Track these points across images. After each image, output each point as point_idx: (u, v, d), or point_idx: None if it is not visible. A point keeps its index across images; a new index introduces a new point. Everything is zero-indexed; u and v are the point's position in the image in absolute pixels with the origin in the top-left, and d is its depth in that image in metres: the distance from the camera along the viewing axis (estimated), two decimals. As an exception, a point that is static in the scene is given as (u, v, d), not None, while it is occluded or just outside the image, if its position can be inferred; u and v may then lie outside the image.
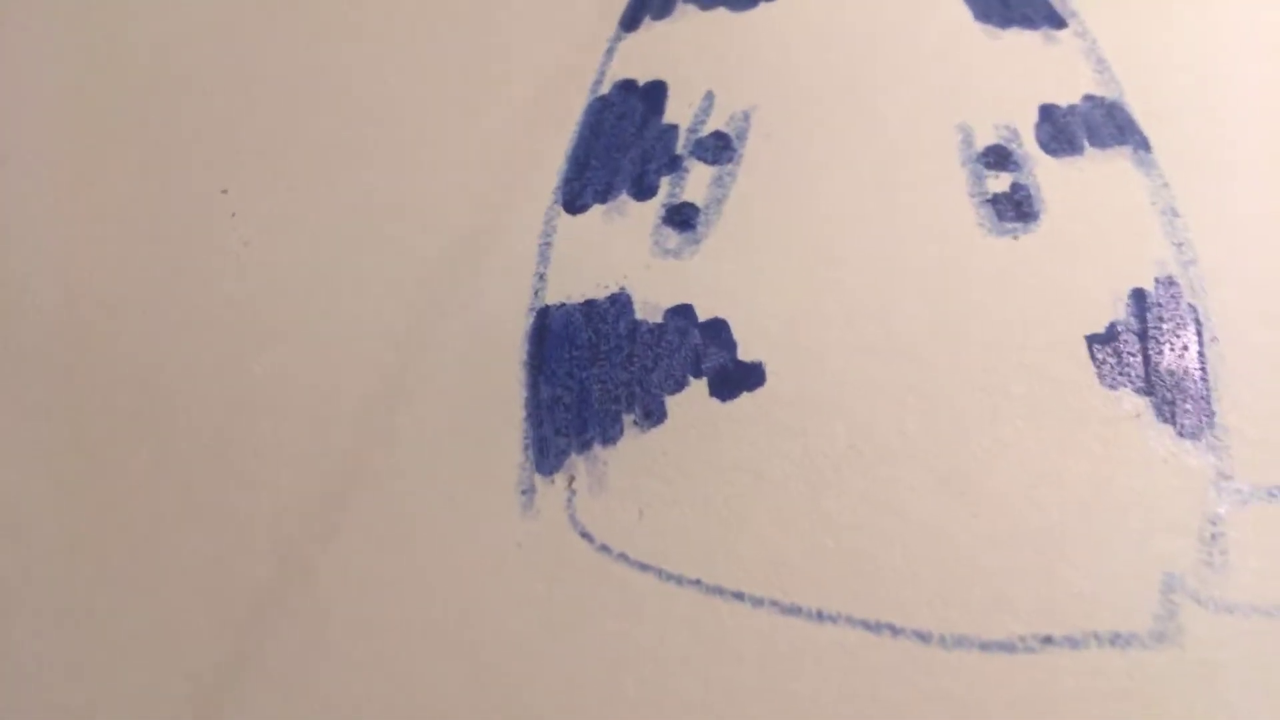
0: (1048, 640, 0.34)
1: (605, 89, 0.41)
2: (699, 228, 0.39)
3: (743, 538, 0.35)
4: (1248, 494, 0.35)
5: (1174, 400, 0.36)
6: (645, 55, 0.42)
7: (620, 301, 0.38)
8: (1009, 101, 0.40)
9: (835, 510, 0.35)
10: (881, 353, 0.37)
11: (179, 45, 0.42)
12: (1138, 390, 0.36)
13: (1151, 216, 0.39)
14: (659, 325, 0.37)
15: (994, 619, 0.34)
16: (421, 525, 0.35)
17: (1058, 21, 0.42)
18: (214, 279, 0.39)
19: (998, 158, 0.39)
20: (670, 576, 0.35)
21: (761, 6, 0.42)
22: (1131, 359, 0.37)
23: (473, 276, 0.38)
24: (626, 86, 0.41)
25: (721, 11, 0.42)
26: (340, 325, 0.38)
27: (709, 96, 0.41)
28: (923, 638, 0.34)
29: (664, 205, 0.39)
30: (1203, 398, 0.36)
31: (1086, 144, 0.40)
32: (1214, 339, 0.37)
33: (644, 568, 0.35)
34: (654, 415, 0.36)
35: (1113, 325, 0.37)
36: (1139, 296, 0.37)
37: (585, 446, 0.36)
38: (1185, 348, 0.37)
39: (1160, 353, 0.37)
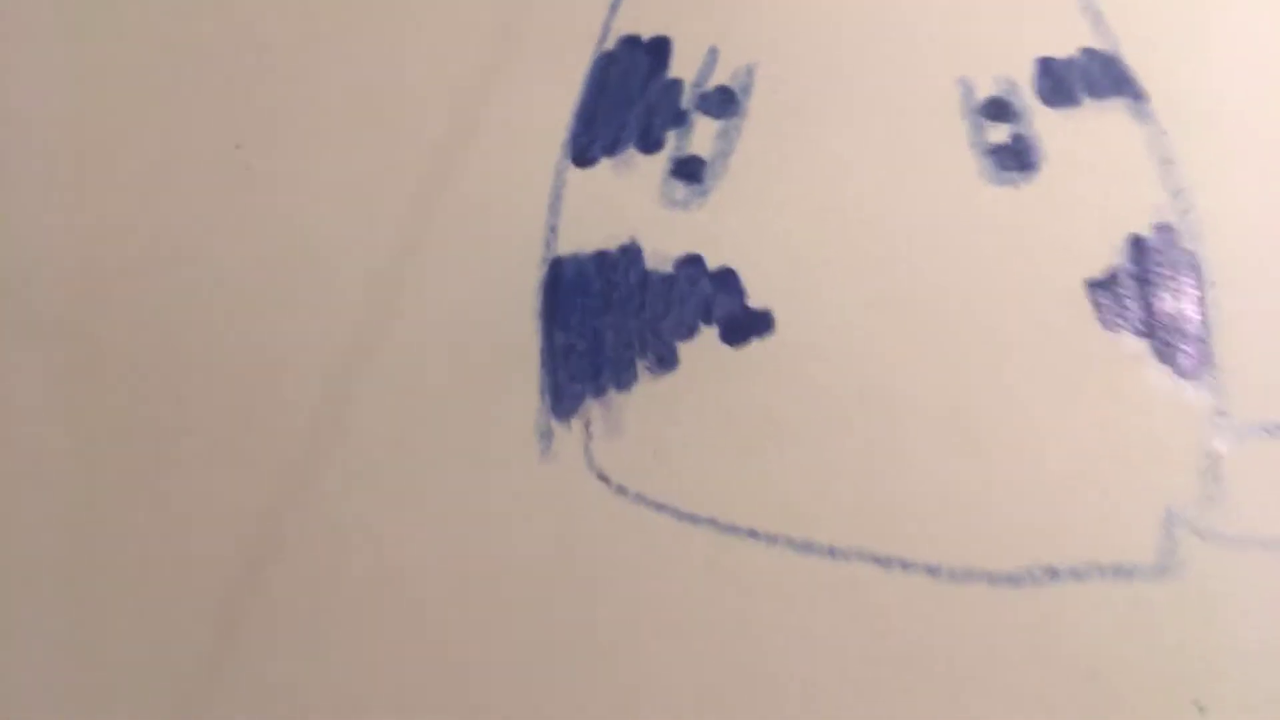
0: (1053, 573, 0.35)
1: (610, 44, 0.42)
2: (706, 180, 0.40)
3: (755, 478, 0.36)
4: (1244, 430, 0.36)
5: (1172, 342, 0.37)
6: (649, 12, 0.42)
7: (630, 252, 0.39)
8: (1008, 55, 0.41)
9: (844, 451, 0.36)
10: (887, 299, 0.38)
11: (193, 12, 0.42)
12: (1137, 333, 0.37)
13: (1149, 165, 0.39)
14: (669, 275, 0.38)
15: (1000, 553, 0.35)
16: (442, 470, 0.36)
17: None
18: (228, 239, 0.39)
19: (998, 109, 0.40)
20: (685, 515, 0.36)
21: None
22: (1131, 303, 0.38)
23: (485, 228, 0.39)
24: (631, 42, 0.42)
25: None
26: (356, 280, 0.38)
27: (713, 52, 0.41)
28: (932, 571, 0.35)
29: (671, 158, 0.40)
30: (1200, 339, 0.37)
31: (1084, 95, 0.40)
32: (1211, 283, 0.38)
33: (660, 507, 0.36)
34: (666, 361, 0.37)
35: (1112, 270, 0.38)
36: (1137, 243, 0.38)
37: (600, 392, 0.37)
38: (1183, 292, 0.38)
39: (1159, 297, 0.38)
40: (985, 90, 0.40)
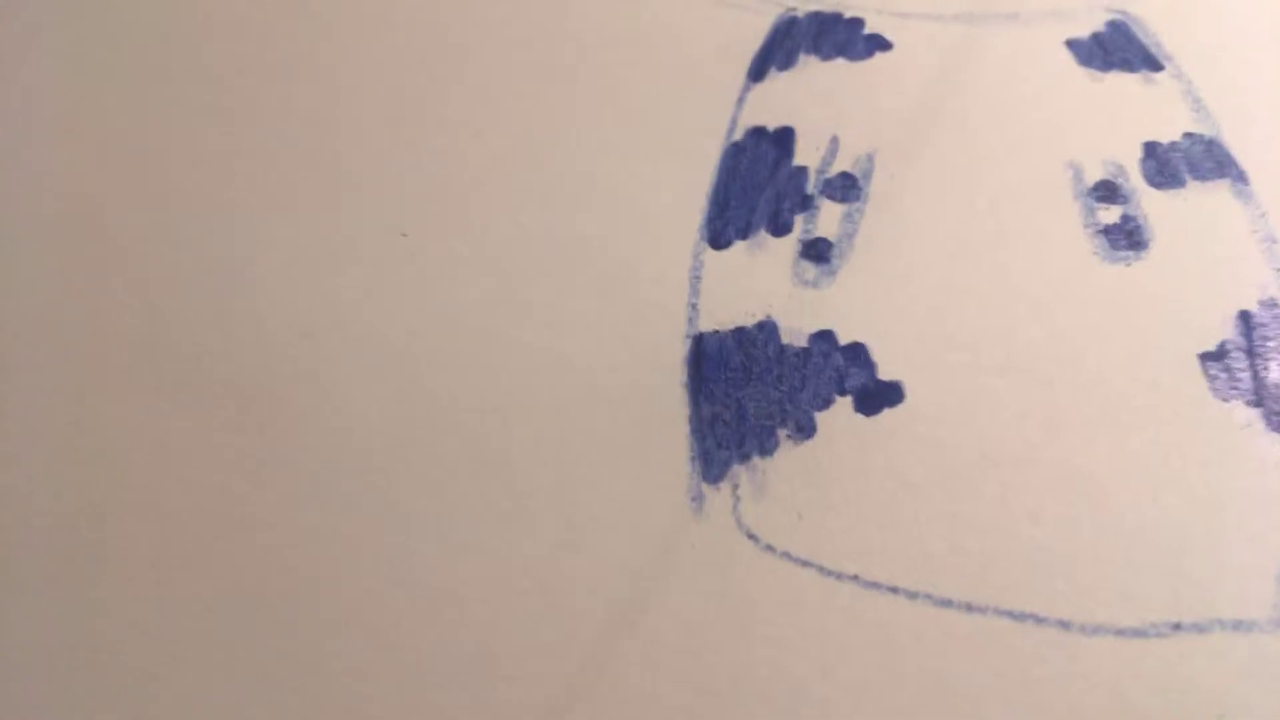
0: (1177, 626, 0.36)
1: (739, 136, 0.44)
2: (833, 260, 0.42)
3: (894, 537, 0.38)
4: None
5: None
6: (773, 104, 0.45)
7: (767, 328, 0.41)
8: (1115, 140, 0.43)
9: (974, 512, 0.38)
10: (1008, 371, 0.39)
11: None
12: (1248, 403, 0.39)
13: (1251, 244, 0.41)
14: (804, 349, 0.40)
15: (1127, 608, 0.36)
16: (602, 531, 0.38)
17: (1155, 65, 0.44)
18: (394, 314, 0.42)
19: (1107, 191, 0.42)
20: (830, 572, 0.38)
21: (878, 56, 0.45)
22: (1241, 374, 0.39)
23: (632, 308, 0.41)
24: (758, 133, 0.44)
25: (840, 62, 0.45)
26: (516, 358, 0.41)
27: (834, 140, 0.44)
28: (1064, 625, 0.36)
29: (800, 240, 0.42)
30: None
31: (1188, 177, 0.42)
32: None
33: (805, 564, 0.38)
34: (805, 429, 0.39)
35: (1222, 344, 0.39)
36: (1244, 317, 0.40)
37: (745, 458, 0.39)
38: None
39: (1267, 368, 0.39)
40: (1094, 173, 0.42)
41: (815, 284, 0.41)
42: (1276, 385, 0.39)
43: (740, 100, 0.45)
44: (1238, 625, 0.36)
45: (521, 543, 0.39)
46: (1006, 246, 0.41)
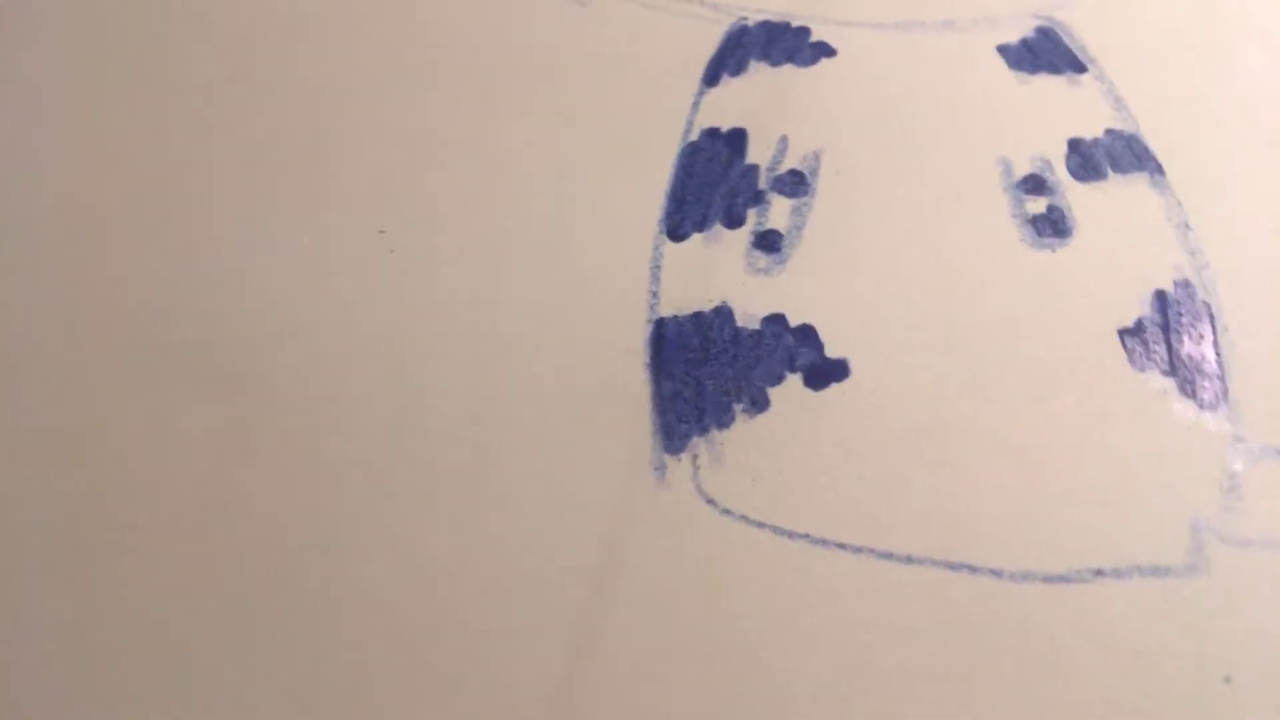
0: (1099, 572, 0.39)
1: (694, 136, 0.47)
2: (784, 250, 0.44)
3: (840, 499, 0.40)
4: (1258, 452, 0.40)
5: (1194, 379, 0.41)
6: (726, 107, 0.47)
7: (723, 312, 0.43)
8: (1042, 137, 0.45)
9: (915, 475, 0.40)
10: (945, 349, 0.42)
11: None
12: (1163, 372, 0.41)
13: (1167, 230, 0.44)
14: (757, 331, 0.43)
15: (1054, 557, 0.39)
16: (573, 499, 0.41)
17: (1079, 67, 0.47)
18: (373, 305, 0.44)
19: (1034, 184, 0.45)
20: (783, 532, 0.40)
21: (823, 62, 0.48)
22: (1157, 347, 0.42)
23: (598, 297, 0.43)
24: (712, 133, 0.46)
25: (789, 68, 0.48)
26: (491, 344, 0.43)
27: (783, 140, 0.46)
28: (996, 574, 0.39)
29: (752, 232, 0.44)
30: (1217, 376, 0.41)
31: (1110, 170, 0.45)
32: (1225, 328, 0.42)
33: (760, 525, 0.40)
34: (759, 403, 0.42)
35: (1139, 320, 0.42)
36: (1160, 296, 0.43)
37: (704, 430, 0.41)
38: (1201, 337, 0.42)
39: (1180, 341, 0.42)
40: (1023, 168, 0.45)
41: (767, 272, 0.44)
42: (1188, 356, 0.42)
43: (695, 104, 0.47)
44: (1154, 571, 0.39)
45: (500, 512, 0.41)
46: (942, 236, 0.44)
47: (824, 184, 0.45)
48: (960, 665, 0.38)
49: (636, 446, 0.41)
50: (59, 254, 0.46)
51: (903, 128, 0.46)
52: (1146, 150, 0.45)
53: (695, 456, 0.41)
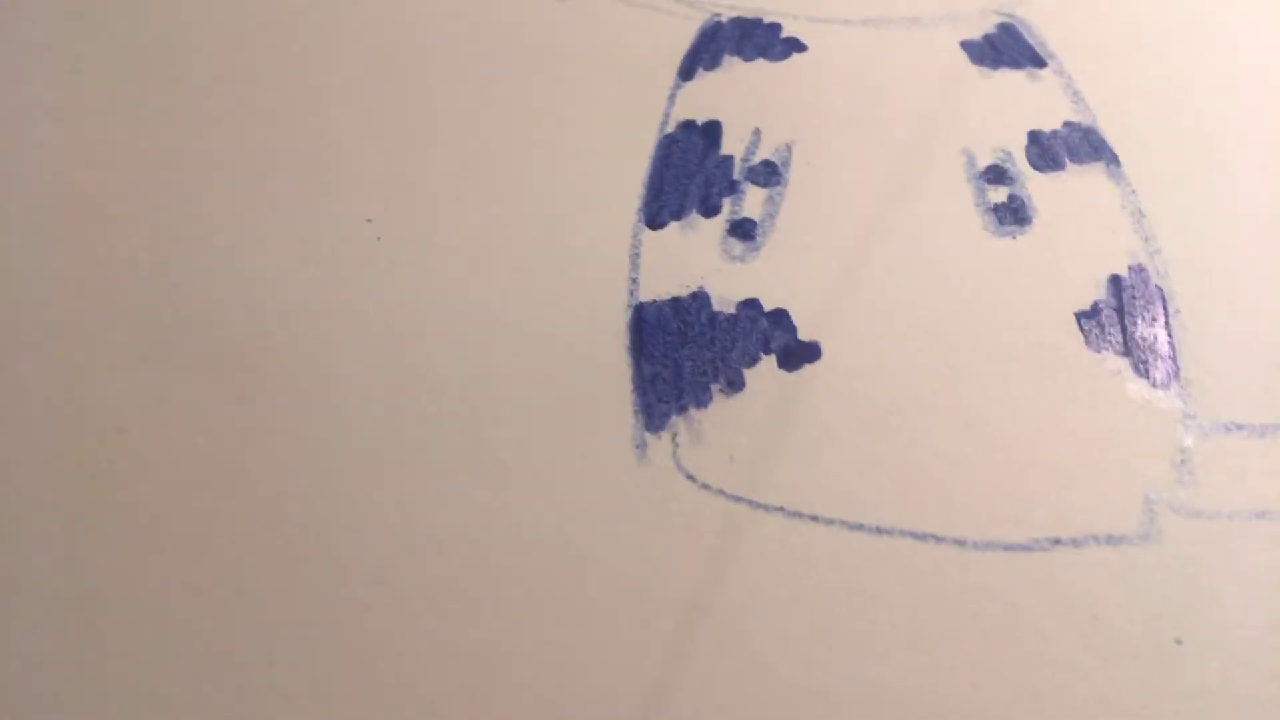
0: (1057, 541, 0.41)
1: (671, 128, 0.48)
2: (758, 238, 0.46)
3: (813, 474, 0.42)
4: (1208, 428, 0.42)
5: (1147, 359, 0.43)
6: (701, 100, 0.48)
7: (700, 297, 0.45)
8: (1003, 129, 0.47)
9: (884, 451, 0.42)
10: (912, 331, 0.44)
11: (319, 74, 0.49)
12: (1118, 353, 0.43)
13: (1123, 217, 0.46)
14: (733, 315, 0.44)
15: (1014, 527, 0.41)
16: (560, 475, 0.42)
17: (1039, 62, 0.49)
18: (365, 292, 0.46)
19: (996, 175, 0.46)
20: (758, 505, 0.42)
21: (794, 57, 0.49)
22: (1112, 329, 0.44)
23: (580, 283, 0.45)
24: (688, 126, 0.48)
25: (761, 62, 0.49)
26: (478, 328, 0.44)
27: (756, 132, 0.48)
28: (960, 543, 0.41)
29: (728, 221, 0.46)
30: (1170, 356, 0.43)
31: (1068, 161, 0.46)
32: (1177, 311, 0.44)
33: (737, 499, 0.42)
34: (735, 384, 0.43)
35: (1096, 303, 0.44)
36: (1115, 280, 0.44)
37: (683, 410, 0.43)
38: (1154, 319, 0.44)
39: (1135, 323, 0.44)
40: (985, 159, 0.47)
41: (742, 258, 0.45)
42: (1142, 338, 0.44)
43: (671, 97, 0.49)
44: (1109, 540, 0.41)
45: (491, 487, 0.42)
46: (909, 223, 0.46)
47: (796, 174, 0.47)
48: (927, 630, 0.40)
49: (619, 425, 0.43)
50: (58, 244, 0.47)
51: (871, 120, 0.48)
52: (1103, 141, 0.47)
53: (675, 435, 0.43)
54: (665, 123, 0.48)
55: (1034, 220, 0.45)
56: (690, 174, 0.47)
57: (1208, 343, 0.44)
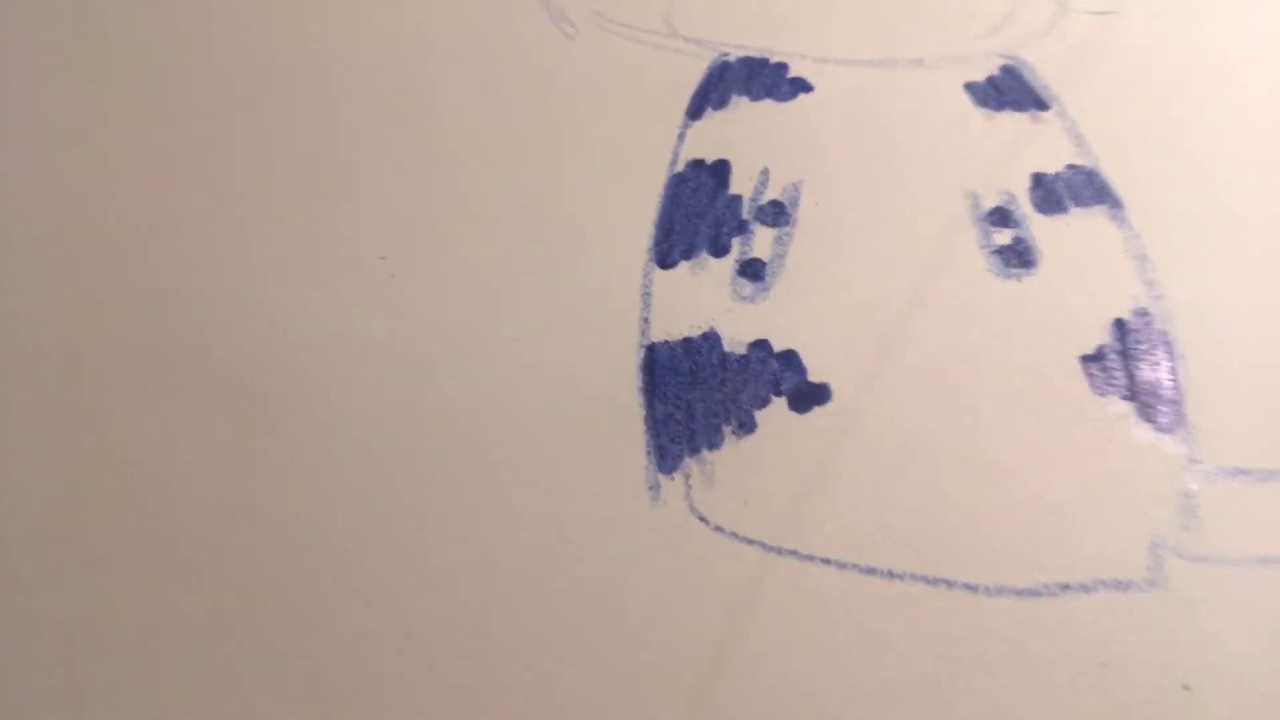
0: (1066, 587, 0.41)
1: (680, 168, 0.48)
2: (767, 278, 0.46)
3: (825, 516, 0.42)
4: (1213, 473, 0.43)
5: (1152, 404, 0.44)
6: (710, 139, 0.49)
7: (711, 338, 0.45)
8: (1007, 171, 0.47)
9: (897, 492, 0.42)
10: (920, 373, 0.44)
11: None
12: (1123, 397, 0.44)
13: (1126, 261, 0.46)
14: (744, 356, 0.45)
15: (1024, 572, 0.41)
16: (573, 517, 0.43)
17: (1042, 105, 0.49)
18: (379, 329, 0.46)
19: (1001, 217, 0.47)
20: (771, 548, 0.42)
21: (801, 97, 0.50)
22: (1116, 373, 0.44)
23: (592, 323, 0.45)
24: (697, 165, 0.48)
25: (769, 102, 0.50)
26: (492, 369, 0.45)
27: (765, 171, 0.48)
28: (971, 588, 0.41)
29: (737, 260, 0.46)
30: (1174, 401, 0.44)
31: (1071, 204, 0.47)
32: (1181, 356, 0.44)
33: (750, 542, 0.42)
34: (747, 425, 0.44)
35: (1100, 348, 0.44)
36: (1120, 324, 0.45)
37: (696, 451, 0.43)
38: (1158, 363, 0.44)
39: (1139, 368, 0.44)
40: (990, 201, 0.47)
41: (752, 299, 0.46)
42: (1146, 382, 0.44)
43: (681, 136, 0.49)
44: (1117, 585, 0.41)
45: (504, 529, 0.43)
46: (916, 265, 0.46)
47: (804, 214, 0.47)
48: (938, 674, 0.41)
49: (632, 467, 0.43)
50: (72, 275, 0.47)
51: (877, 161, 0.48)
52: (1106, 185, 0.47)
53: (688, 476, 0.43)
54: (675, 161, 0.48)
55: (1038, 263, 0.46)
56: (700, 213, 0.47)
57: (1212, 387, 0.44)
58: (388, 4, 0.51)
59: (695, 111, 0.49)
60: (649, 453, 0.43)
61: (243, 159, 0.49)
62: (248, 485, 0.43)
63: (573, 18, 0.51)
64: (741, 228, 0.47)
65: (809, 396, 0.44)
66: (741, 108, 0.49)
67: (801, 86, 0.50)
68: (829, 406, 0.44)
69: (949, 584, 0.41)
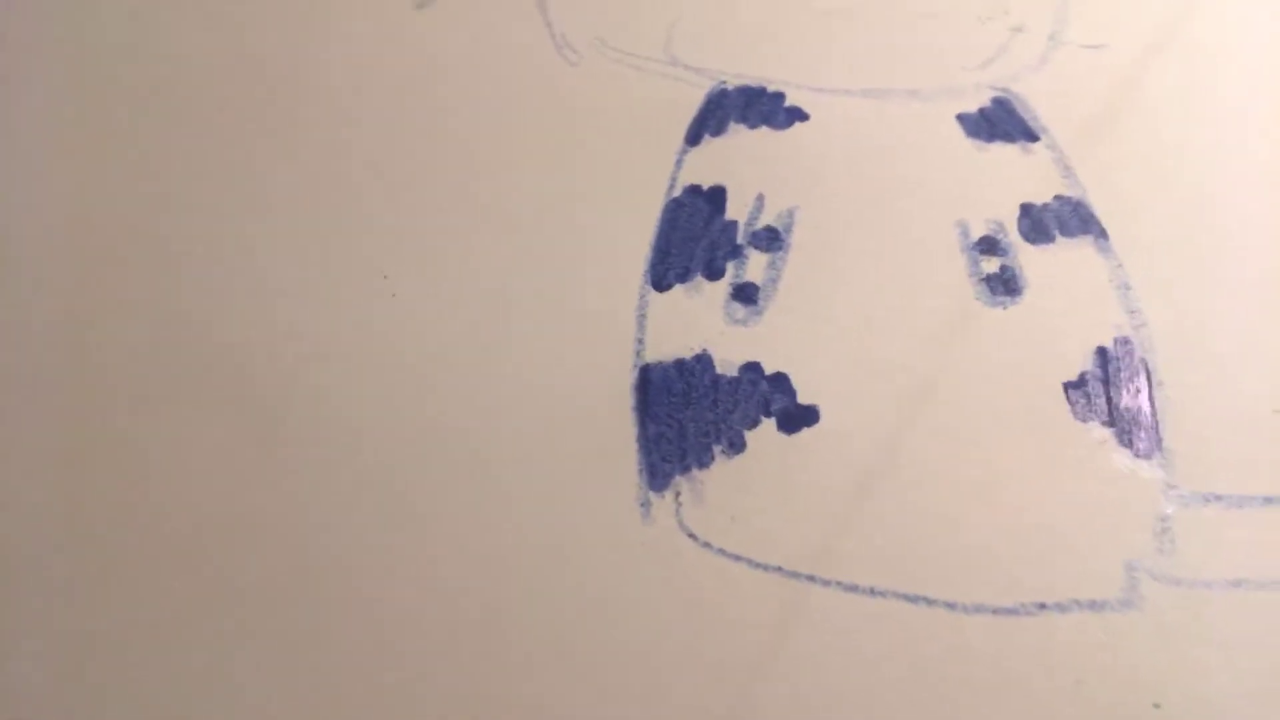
0: (1043, 606, 0.42)
1: (677, 193, 0.49)
2: (760, 301, 0.47)
3: (810, 535, 0.43)
4: (1189, 498, 0.44)
5: (1131, 430, 0.45)
6: (707, 165, 0.50)
7: (704, 360, 0.46)
8: (996, 201, 0.48)
9: (880, 511, 0.44)
10: (906, 397, 0.45)
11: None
12: (1103, 423, 0.45)
13: (1110, 290, 0.47)
14: (735, 378, 0.46)
15: (1003, 591, 0.42)
16: (563, 534, 0.44)
17: (1032, 136, 0.50)
18: (381, 345, 0.47)
19: (989, 246, 0.48)
20: (757, 565, 0.43)
21: (797, 126, 0.50)
22: (1098, 400, 0.45)
23: (587, 344, 0.46)
24: (694, 190, 0.49)
25: (765, 130, 0.50)
26: (487, 386, 0.46)
27: (760, 198, 0.49)
28: (950, 606, 0.42)
29: (731, 284, 0.47)
30: (1152, 428, 0.45)
31: (1058, 234, 0.48)
32: (1160, 383, 0.45)
33: (737, 559, 0.43)
34: (736, 445, 0.45)
35: (1082, 374, 0.45)
36: (1102, 352, 0.46)
37: (686, 470, 0.45)
38: (1138, 391, 0.45)
39: (1119, 395, 0.45)
40: (978, 230, 0.48)
41: (744, 322, 0.47)
42: (1126, 409, 0.45)
43: (679, 162, 0.50)
44: (1092, 605, 0.42)
45: (499, 539, 0.44)
46: (905, 291, 0.47)
47: (798, 240, 0.48)
48: (915, 689, 0.42)
49: (623, 484, 0.45)
50: (82, 289, 0.49)
51: (870, 190, 0.49)
52: (1092, 215, 0.48)
53: (678, 494, 0.45)
54: (672, 187, 0.49)
55: (1024, 291, 0.47)
56: (696, 237, 0.48)
57: (1189, 414, 0.45)
58: (395, 30, 0.52)
59: (693, 138, 0.50)
60: (640, 471, 0.45)
61: (251, 178, 0.50)
62: (255, 495, 0.45)
63: (576, 45, 0.52)
64: (736, 252, 0.48)
65: (797, 418, 0.45)
66: (739, 135, 0.50)
67: (798, 115, 0.51)
68: (817, 428, 0.45)
69: (929, 601, 0.43)
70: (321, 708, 0.41)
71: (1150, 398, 0.45)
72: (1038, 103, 0.50)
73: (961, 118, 0.50)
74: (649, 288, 0.47)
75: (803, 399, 0.45)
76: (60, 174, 0.50)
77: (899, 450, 0.44)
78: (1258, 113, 0.50)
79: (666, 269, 0.47)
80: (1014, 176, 0.49)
